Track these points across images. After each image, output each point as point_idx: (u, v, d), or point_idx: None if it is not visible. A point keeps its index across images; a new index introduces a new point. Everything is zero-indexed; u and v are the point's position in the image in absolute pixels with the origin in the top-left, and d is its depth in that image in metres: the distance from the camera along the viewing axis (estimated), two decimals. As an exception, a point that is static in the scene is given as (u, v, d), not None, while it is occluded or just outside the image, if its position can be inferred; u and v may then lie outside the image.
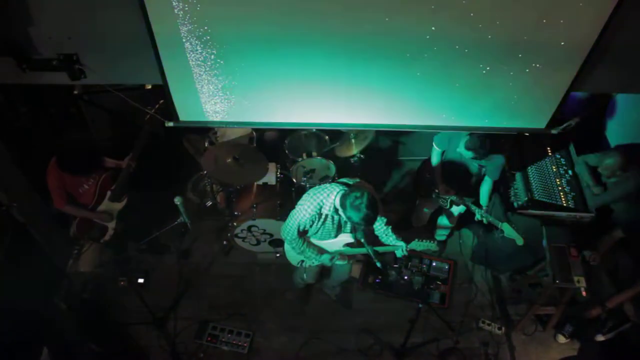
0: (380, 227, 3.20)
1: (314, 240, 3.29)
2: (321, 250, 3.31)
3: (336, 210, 2.94)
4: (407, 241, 3.09)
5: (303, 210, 2.98)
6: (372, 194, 2.78)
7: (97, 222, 3.84)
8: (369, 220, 2.77)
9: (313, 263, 3.43)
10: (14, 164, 3.73)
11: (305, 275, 3.56)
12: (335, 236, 3.21)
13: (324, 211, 2.98)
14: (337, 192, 2.91)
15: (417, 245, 3.08)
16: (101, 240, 3.92)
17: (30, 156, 3.87)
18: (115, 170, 3.80)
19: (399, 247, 3.12)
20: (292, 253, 3.44)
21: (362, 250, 3.25)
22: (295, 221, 3.02)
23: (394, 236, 3.17)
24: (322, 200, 2.96)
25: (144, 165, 3.82)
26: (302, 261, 3.47)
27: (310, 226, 3.07)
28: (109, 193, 3.75)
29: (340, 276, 3.90)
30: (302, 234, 3.16)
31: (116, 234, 3.95)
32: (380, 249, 3.20)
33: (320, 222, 3.05)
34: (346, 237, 3.21)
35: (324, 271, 3.96)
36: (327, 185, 3.03)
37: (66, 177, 3.48)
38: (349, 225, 3.15)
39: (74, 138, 3.50)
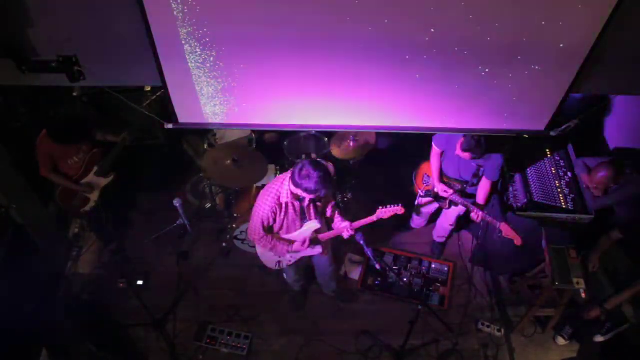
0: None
1: (282, 236, 3.29)
2: (291, 242, 3.32)
3: (293, 195, 2.96)
4: (373, 212, 3.12)
5: (263, 205, 3.01)
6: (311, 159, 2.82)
7: (80, 193, 3.96)
8: (325, 180, 2.78)
9: (289, 260, 3.44)
10: (13, 165, 3.73)
11: (285, 275, 3.54)
12: (302, 225, 3.22)
13: (283, 200, 3.01)
14: (289, 178, 2.94)
15: (382, 212, 3.10)
16: (81, 210, 4.02)
17: (29, 157, 3.88)
18: (106, 147, 3.91)
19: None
20: (267, 255, 3.44)
21: (333, 234, 3.29)
22: (258, 218, 3.04)
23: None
24: (278, 190, 3.00)
25: (143, 166, 3.84)
26: (279, 262, 3.48)
27: (275, 220, 3.08)
28: (96, 167, 3.85)
29: (323, 269, 3.84)
30: (269, 230, 3.17)
31: (97, 208, 4.04)
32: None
33: (283, 213, 3.06)
34: (313, 224, 3.20)
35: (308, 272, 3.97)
36: (278, 176, 3.09)
37: (56, 148, 3.60)
38: (312, 210, 3.16)
39: (63, 112, 3.68)
